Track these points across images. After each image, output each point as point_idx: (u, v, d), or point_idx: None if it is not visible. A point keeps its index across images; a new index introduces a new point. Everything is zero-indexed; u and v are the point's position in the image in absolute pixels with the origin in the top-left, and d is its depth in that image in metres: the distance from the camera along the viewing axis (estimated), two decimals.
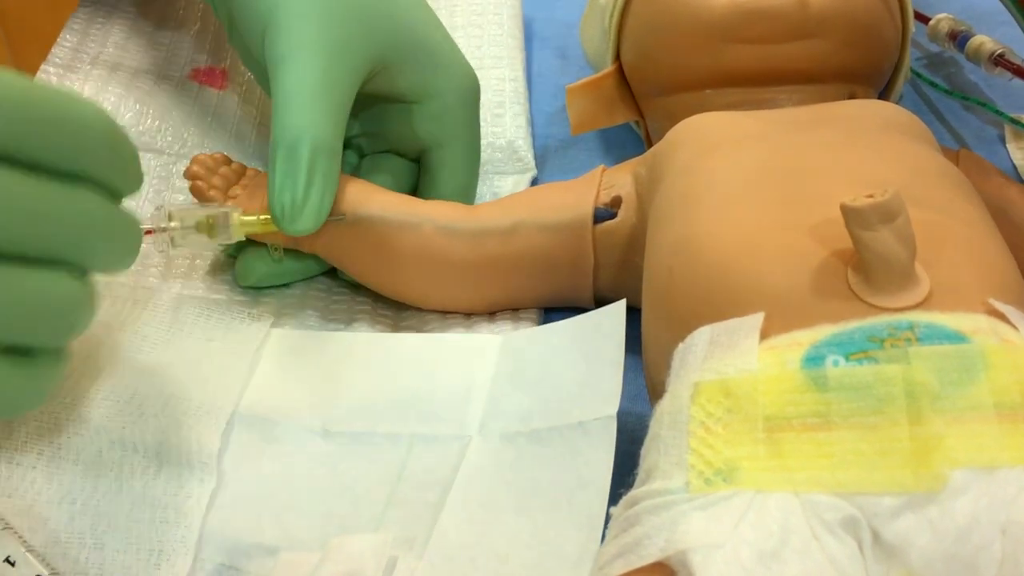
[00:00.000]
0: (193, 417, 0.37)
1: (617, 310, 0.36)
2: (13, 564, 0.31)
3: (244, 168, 0.43)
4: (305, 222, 0.38)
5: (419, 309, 0.43)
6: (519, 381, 0.37)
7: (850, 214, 0.28)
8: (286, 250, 0.42)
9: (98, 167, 0.31)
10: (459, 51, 0.46)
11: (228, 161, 0.43)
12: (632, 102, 0.47)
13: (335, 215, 0.40)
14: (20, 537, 0.32)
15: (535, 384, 0.36)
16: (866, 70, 0.42)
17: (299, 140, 0.38)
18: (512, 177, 0.50)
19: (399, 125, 0.45)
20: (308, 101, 0.38)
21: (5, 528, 0.32)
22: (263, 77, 0.41)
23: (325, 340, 0.41)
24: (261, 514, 0.35)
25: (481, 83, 0.48)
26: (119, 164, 0.32)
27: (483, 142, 0.50)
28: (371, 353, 0.40)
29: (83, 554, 0.33)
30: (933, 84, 0.55)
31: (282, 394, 0.39)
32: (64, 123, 0.30)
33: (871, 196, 0.28)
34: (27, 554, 0.32)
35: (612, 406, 0.34)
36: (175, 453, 0.36)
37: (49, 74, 0.50)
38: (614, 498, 0.28)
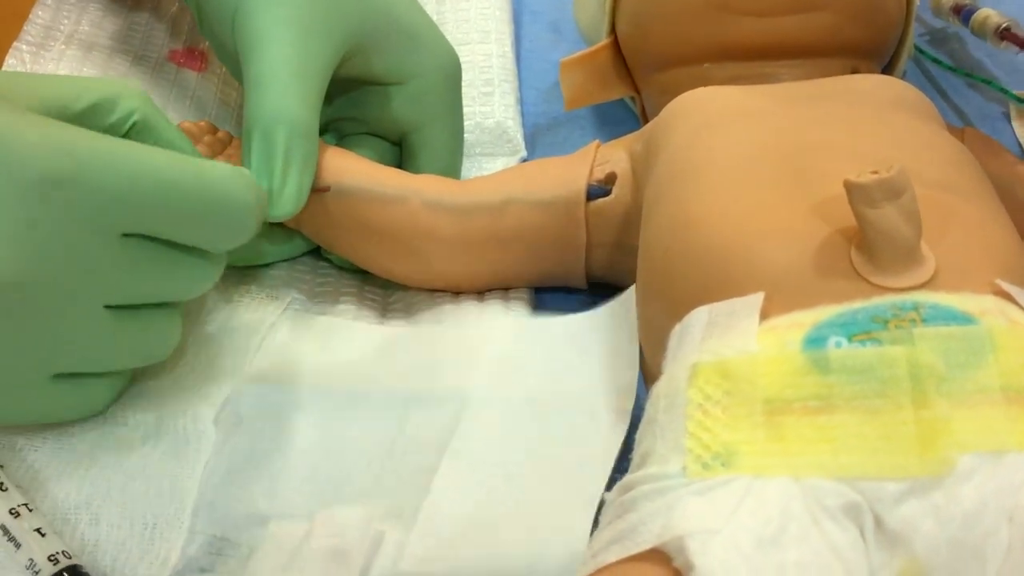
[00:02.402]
0: (192, 393, 0.37)
1: (626, 301, 0.35)
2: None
3: (231, 138, 0.43)
4: (284, 207, 0.38)
5: (407, 288, 0.43)
6: (525, 368, 0.37)
7: (854, 190, 0.28)
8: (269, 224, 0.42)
9: (229, 244, 0.35)
10: (438, 30, 0.45)
11: (214, 130, 0.43)
12: (628, 77, 0.47)
13: (320, 187, 0.40)
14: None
15: (543, 363, 0.36)
16: (869, 44, 0.42)
17: (274, 124, 0.37)
18: (501, 159, 0.50)
19: (378, 108, 0.44)
20: (282, 84, 0.38)
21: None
22: (236, 68, 0.41)
23: (335, 326, 0.41)
24: (254, 484, 0.35)
25: (468, 60, 0.47)
26: (248, 236, 0.36)
27: (470, 122, 0.49)
28: (380, 340, 0.40)
29: (79, 530, 0.34)
30: (936, 61, 0.55)
31: (282, 366, 0.39)
32: (218, 218, 0.34)
33: (876, 172, 0.28)
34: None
35: (628, 400, 0.34)
36: (172, 429, 0.36)
37: (22, 52, 0.49)
38: (608, 483, 0.28)
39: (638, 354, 0.34)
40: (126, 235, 0.32)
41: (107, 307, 0.33)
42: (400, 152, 0.46)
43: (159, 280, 0.34)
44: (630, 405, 0.33)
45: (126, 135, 0.36)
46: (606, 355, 0.35)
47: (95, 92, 0.35)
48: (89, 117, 0.35)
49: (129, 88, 0.36)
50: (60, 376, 0.33)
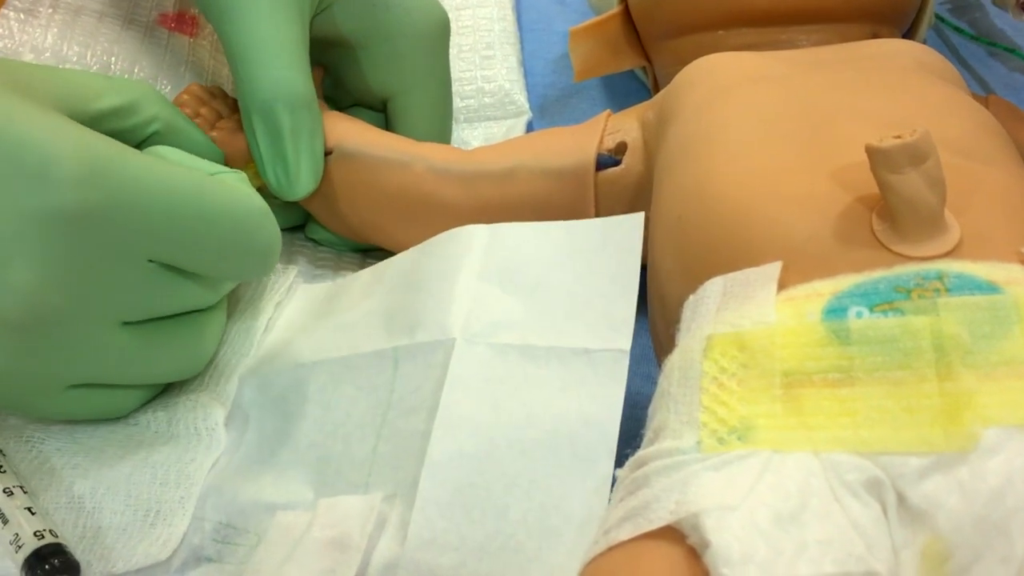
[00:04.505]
0: (203, 387, 0.37)
1: (633, 223, 0.33)
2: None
3: (233, 103, 0.42)
4: (304, 186, 0.38)
5: None
6: (509, 283, 0.34)
7: (876, 155, 0.27)
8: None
9: (250, 276, 0.37)
10: None
11: (224, 95, 0.42)
12: (639, 46, 0.46)
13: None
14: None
15: (528, 289, 0.34)
16: (889, 9, 0.41)
17: (273, 104, 0.37)
18: (506, 122, 0.50)
19: (352, 74, 0.43)
20: (268, 58, 0.37)
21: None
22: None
23: (335, 286, 0.40)
24: (261, 472, 0.34)
25: (468, 24, 0.46)
26: (270, 271, 0.37)
27: (472, 87, 0.49)
28: (368, 281, 0.39)
29: (81, 519, 0.33)
30: (958, 29, 0.54)
31: (285, 346, 0.38)
32: (247, 254, 0.34)
33: (899, 136, 0.27)
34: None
35: (625, 338, 0.31)
36: (183, 426, 0.36)
37: (9, 19, 0.49)
38: (620, 459, 0.28)
39: (637, 282, 0.32)
40: (150, 260, 0.32)
41: (125, 324, 0.33)
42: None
43: (178, 296, 0.34)
44: (627, 343, 0.31)
45: (148, 138, 0.36)
46: (600, 279, 0.33)
47: (117, 95, 0.35)
48: (108, 118, 0.34)
49: (150, 93, 0.36)
50: (79, 386, 0.33)
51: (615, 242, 0.33)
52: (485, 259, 0.35)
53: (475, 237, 0.35)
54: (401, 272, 0.37)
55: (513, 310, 0.33)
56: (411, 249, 0.38)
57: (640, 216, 0.33)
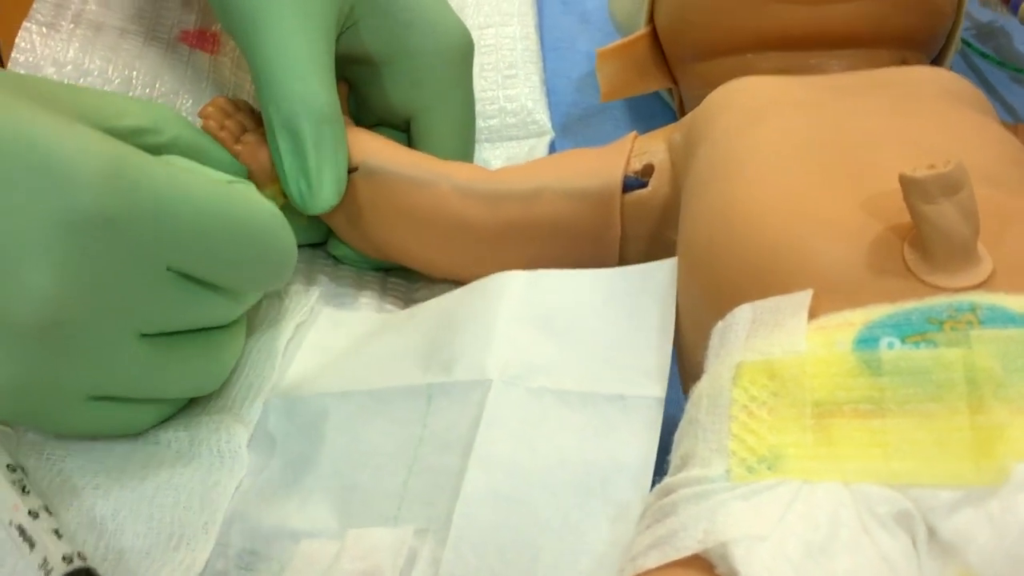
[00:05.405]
0: (226, 410, 0.37)
1: (667, 269, 0.34)
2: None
3: (255, 112, 0.43)
4: (326, 200, 0.38)
5: (431, 280, 0.42)
6: (547, 328, 0.34)
7: (910, 185, 0.27)
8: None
9: (267, 287, 0.37)
10: (443, 8, 0.43)
11: (250, 108, 0.42)
12: (666, 68, 0.46)
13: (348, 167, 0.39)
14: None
15: (565, 335, 0.34)
16: (919, 35, 0.41)
17: (296, 117, 0.37)
18: (528, 141, 0.50)
19: (375, 92, 0.44)
20: (293, 71, 0.37)
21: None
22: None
23: (366, 319, 0.40)
24: (286, 500, 0.34)
25: (491, 43, 0.46)
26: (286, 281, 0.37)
27: (494, 107, 0.49)
28: (398, 322, 0.39)
29: (103, 541, 0.33)
30: (984, 55, 0.54)
31: (313, 373, 0.38)
32: (265, 264, 0.35)
33: (932, 167, 0.27)
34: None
35: (660, 386, 0.32)
36: (206, 447, 0.36)
37: (31, 33, 0.49)
38: None
39: (672, 330, 0.33)
40: (169, 268, 0.32)
41: (143, 336, 0.33)
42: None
43: (195, 309, 0.34)
44: (662, 393, 0.32)
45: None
46: (635, 326, 0.34)
47: (138, 116, 0.35)
48: (129, 137, 0.34)
49: (171, 114, 0.36)
50: (98, 398, 0.33)
51: (650, 289, 0.34)
52: (524, 304, 0.35)
53: (513, 282, 0.36)
54: (436, 314, 0.37)
55: (550, 354, 0.34)
56: (447, 295, 0.38)
57: (673, 262, 0.34)
